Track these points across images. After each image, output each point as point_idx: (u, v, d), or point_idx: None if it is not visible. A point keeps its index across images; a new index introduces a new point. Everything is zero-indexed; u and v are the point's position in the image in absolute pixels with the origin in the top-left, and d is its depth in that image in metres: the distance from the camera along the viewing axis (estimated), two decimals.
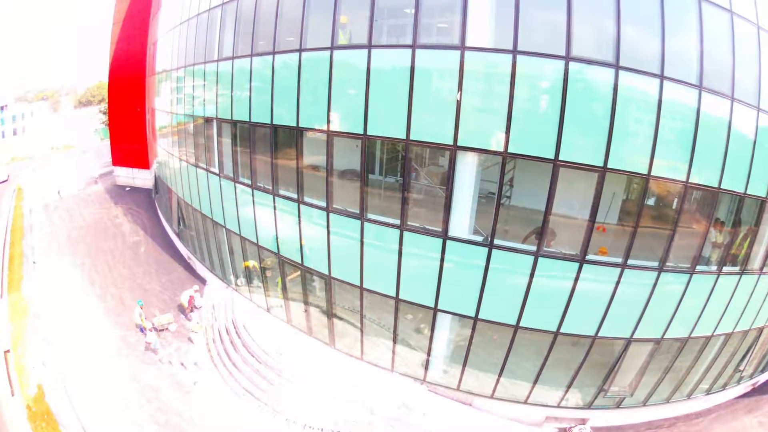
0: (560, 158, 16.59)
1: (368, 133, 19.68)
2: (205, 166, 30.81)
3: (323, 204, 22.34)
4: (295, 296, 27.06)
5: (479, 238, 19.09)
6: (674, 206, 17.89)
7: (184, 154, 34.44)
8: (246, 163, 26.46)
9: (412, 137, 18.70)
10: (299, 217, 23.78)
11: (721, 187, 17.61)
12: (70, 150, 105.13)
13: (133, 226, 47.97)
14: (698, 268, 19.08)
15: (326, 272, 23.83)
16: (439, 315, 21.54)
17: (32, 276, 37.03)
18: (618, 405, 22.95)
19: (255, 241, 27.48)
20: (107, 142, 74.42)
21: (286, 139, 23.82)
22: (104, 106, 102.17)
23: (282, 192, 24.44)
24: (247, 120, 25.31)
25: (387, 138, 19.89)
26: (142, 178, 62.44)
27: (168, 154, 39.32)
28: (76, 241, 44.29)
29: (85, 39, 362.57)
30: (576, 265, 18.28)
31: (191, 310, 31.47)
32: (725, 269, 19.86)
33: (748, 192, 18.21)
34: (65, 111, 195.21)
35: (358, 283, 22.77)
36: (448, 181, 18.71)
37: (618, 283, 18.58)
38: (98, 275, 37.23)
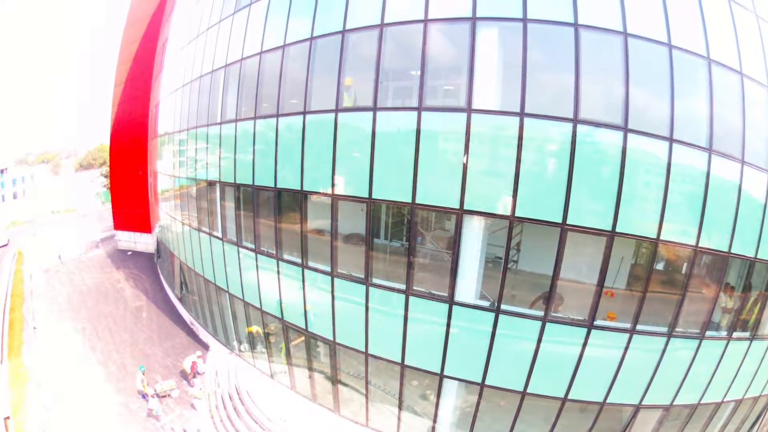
0: (568, 222, 16.50)
1: (373, 196, 19.66)
2: (207, 230, 30.72)
3: (328, 268, 22.19)
4: (299, 362, 26.64)
5: (486, 303, 18.87)
6: (683, 271, 17.71)
7: (187, 218, 34.43)
8: (249, 227, 26.39)
9: (417, 201, 18.66)
10: (303, 281, 23.58)
11: (731, 251, 17.46)
12: (71, 214, 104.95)
13: (135, 291, 47.57)
14: (708, 333, 18.79)
15: (331, 338, 23.49)
16: (445, 381, 21.12)
17: (33, 341, 36.57)
18: None
19: (258, 306, 27.21)
20: (109, 205, 74.26)
21: (290, 202, 23.81)
22: (105, 169, 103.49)
23: (286, 256, 24.29)
24: (251, 183, 25.31)
25: (392, 202, 19.87)
26: (143, 243, 62.42)
27: (170, 218, 39.32)
28: (77, 306, 43.89)
29: (86, 101, 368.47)
30: (584, 330, 18.01)
31: (194, 376, 31.01)
32: (735, 335, 19.53)
33: (759, 256, 18.05)
34: (66, 174, 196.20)
35: (363, 349, 22.43)
36: (454, 245, 18.60)
37: (626, 348, 18.27)
38: (100, 341, 36.75)
